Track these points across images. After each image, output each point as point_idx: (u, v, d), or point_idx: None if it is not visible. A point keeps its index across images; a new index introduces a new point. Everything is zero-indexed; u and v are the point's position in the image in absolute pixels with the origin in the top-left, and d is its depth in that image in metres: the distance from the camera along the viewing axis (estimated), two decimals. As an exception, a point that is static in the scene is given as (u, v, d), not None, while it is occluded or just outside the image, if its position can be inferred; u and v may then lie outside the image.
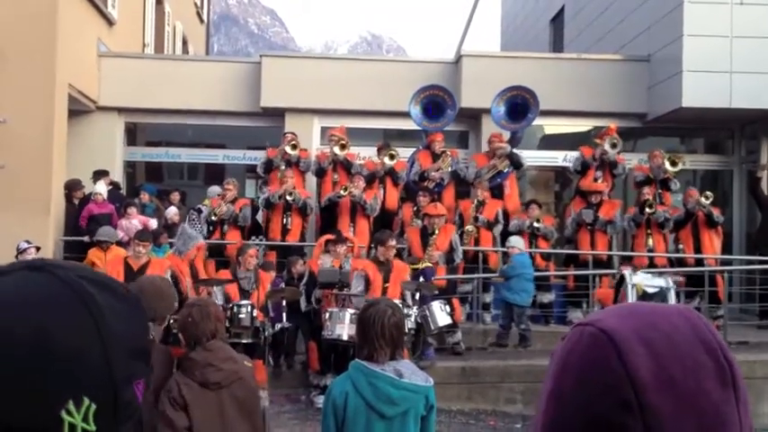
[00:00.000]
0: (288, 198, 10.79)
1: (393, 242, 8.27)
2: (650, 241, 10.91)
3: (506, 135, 11.64)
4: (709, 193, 10.80)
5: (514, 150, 11.48)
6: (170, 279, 6.71)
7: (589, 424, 0.84)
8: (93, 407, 0.79)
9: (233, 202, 11.03)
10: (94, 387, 0.80)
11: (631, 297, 7.90)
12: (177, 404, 3.49)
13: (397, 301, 5.92)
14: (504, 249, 10.19)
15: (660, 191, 11.30)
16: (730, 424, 0.84)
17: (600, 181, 11.34)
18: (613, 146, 11.46)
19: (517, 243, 9.93)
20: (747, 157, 13.18)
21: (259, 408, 3.74)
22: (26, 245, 9.34)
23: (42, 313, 0.79)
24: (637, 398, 0.82)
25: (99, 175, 11.68)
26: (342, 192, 10.68)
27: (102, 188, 11.12)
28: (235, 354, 3.80)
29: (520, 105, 11.32)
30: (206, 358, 3.53)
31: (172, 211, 11.58)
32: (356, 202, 10.74)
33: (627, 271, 8.47)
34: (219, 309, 3.93)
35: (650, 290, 8.36)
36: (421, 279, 8.64)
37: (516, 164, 11.46)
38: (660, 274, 9.18)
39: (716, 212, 10.83)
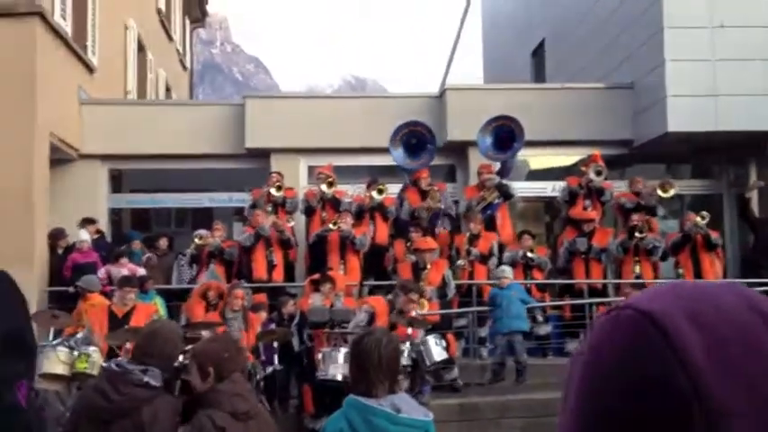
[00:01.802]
0: (278, 224, 10.63)
1: (415, 297, 7.96)
2: (637, 268, 10.77)
3: (496, 166, 11.57)
4: (705, 213, 10.70)
5: (504, 181, 11.39)
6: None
7: (636, 423, 0.70)
8: None
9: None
10: None
11: None
12: None
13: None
14: (494, 282, 9.98)
15: (646, 217, 11.21)
16: None
17: (590, 209, 11.24)
18: (598, 173, 11.40)
19: (508, 273, 9.75)
20: (736, 181, 13.15)
21: None
22: None
23: None
24: (693, 385, 0.69)
25: (86, 222, 11.48)
26: (331, 226, 10.54)
27: (85, 236, 10.91)
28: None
29: (506, 135, 11.25)
30: (233, 389, 3.45)
31: (146, 258, 11.44)
32: (345, 238, 10.58)
33: None
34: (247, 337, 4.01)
35: None
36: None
37: (506, 194, 11.35)
38: None
39: (714, 235, 10.73)
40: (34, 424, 0.77)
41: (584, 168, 11.58)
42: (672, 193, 11.24)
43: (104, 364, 5.75)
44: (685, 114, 11.52)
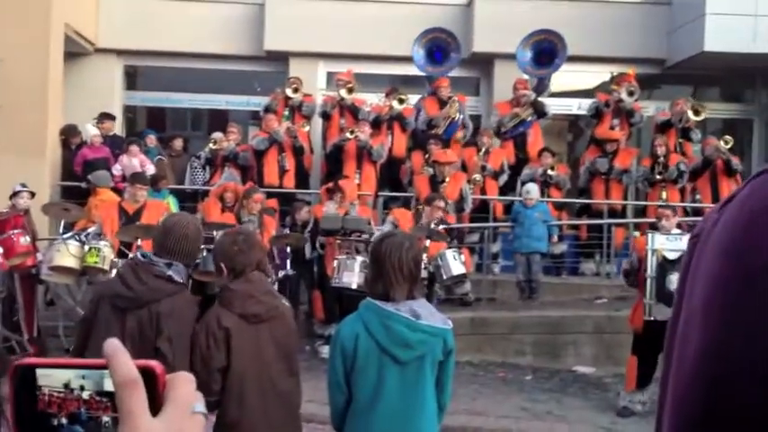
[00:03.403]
0: (291, 129, 10.41)
1: (441, 204, 8.10)
2: (663, 194, 10.50)
3: (532, 82, 11.19)
4: (728, 137, 10.34)
5: (539, 98, 11.04)
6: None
7: None
8: None
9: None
10: None
11: (651, 266, 6.61)
12: (216, 340, 3.26)
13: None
14: (518, 198, 9.83)
15: (681, 140, 10.85)
16: None
17: (617, 129, 10.90)
18: (630, 93, 10.99)
19: (533, 193, 9.55)
20: (769, 106, 12.72)
21: (296, 349, 3.59)
22: (21, 188, 8.93)
23: None
24: None
25: (104, 117, 11.29)
26: (348, 135, 10.28)
27: (94, 131, 10.75)
28: (273, 289, 3.64)
29: (546, 50, 10.86)
30: (247, 290, 3.34)
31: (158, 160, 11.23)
32: (362, 148, 10.34)
33: (650, 233, 6.99)
34: (262, 239, 3.80)
35: (671, 255, 6.63)
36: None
37: (540, 112, 11.03)
38: (682, 235, 7.81)
39: (735, 160, 10.37)
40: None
41: (615, 87, 11.16)
42: (703, 116, 10.84)
43: (131, 254, 5.71)
44: (723, 33, 11.00)
